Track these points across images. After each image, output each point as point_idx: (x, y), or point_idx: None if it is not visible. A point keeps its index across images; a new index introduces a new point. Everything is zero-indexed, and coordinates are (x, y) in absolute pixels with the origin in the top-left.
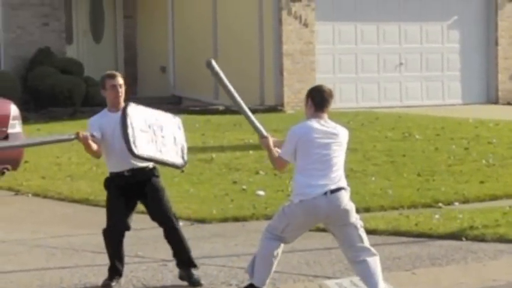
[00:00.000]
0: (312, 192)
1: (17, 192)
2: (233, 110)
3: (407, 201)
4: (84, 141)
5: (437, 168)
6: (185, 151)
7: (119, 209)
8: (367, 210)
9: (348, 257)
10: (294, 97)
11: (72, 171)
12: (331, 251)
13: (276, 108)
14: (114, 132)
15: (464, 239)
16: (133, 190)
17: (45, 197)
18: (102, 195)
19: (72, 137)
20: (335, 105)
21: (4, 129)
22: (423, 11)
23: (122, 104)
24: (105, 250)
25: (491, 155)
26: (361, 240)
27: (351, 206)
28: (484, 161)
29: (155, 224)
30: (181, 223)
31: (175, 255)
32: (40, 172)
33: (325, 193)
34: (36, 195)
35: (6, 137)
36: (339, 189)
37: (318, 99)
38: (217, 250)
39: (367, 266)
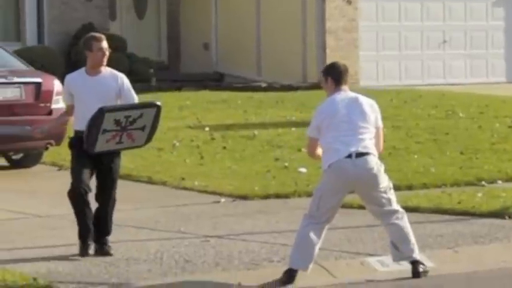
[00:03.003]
0: (336, 156)
1: (61, 167)
2: (275, 87)
3: (450, 179)
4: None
5: (480, 146)
6: (153, 133)
7: (82, 169)
8: (409, 188)
9: (380, 220)
10: None
11: None
12: (373, 228)
13: (319, 85)
14: (84, 94)
15: (507, 217)
16: (93, 158)
17: None
18: (145, 171)
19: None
20: (378, 82)
21: (48, 104)
22: None
23: (104, 67)
24: (147, 225)
25: None
26: (390, 203)
27: (378, 169)
28: None
29: (198, 200)
30: (223, 199)
31: (97, 231)
32: None
33: (350, 155)
34: None
35: (50, 113)
36: (365, 154)
37: (336, 76)
38: (259, 226)
39: (398, 228)
